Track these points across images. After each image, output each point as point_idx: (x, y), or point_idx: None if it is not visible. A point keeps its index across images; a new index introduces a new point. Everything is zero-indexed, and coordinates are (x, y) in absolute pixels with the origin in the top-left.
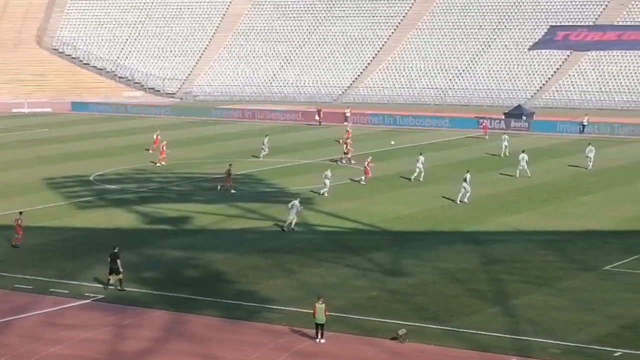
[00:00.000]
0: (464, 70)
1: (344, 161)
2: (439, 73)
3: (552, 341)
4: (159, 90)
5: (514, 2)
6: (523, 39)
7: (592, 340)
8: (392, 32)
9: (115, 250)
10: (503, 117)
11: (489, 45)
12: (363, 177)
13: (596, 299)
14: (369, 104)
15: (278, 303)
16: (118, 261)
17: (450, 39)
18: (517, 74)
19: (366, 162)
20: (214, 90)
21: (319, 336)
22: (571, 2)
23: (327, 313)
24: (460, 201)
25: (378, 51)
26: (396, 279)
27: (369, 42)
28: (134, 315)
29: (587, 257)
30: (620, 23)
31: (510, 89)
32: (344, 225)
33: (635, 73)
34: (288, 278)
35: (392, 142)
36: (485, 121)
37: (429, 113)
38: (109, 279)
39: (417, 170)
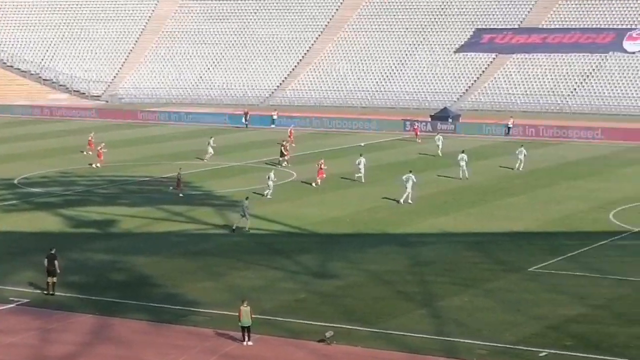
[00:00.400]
0: (390, 73)
1: (283, 163)
2: (366, 76)
3: (478, 342)
4: (84, 93)
5: (440, 5)
6: (449, 41)
7: (517, 340)
8: (319, 35)
9: (53, 252)
10: (430, 119)
11: (416, 48)
12: (318, 180)
13: (522, 299)
14: (296, 106)
15: (205, 306)
16: (56, 262)
17: (377, 41)
18: (443, 77)
19: (319, 164)
20: (140, 93)
21: (246, 339)
22: (497, 5)
23: (252, 315)
24: (405, 202)
25: (305, 54)
26: (324, 281)
27: (296, 44)
28: (60, 319)
29: (512, 258)
30: (544, 26)
31: (437, 91)
32: (272, 228)
33: (560, 75)
34: (215, 281)
35: (362, 144)
36: (417, 124)
37: (356, 115)
38: (49, 282)
39: (360, 171)
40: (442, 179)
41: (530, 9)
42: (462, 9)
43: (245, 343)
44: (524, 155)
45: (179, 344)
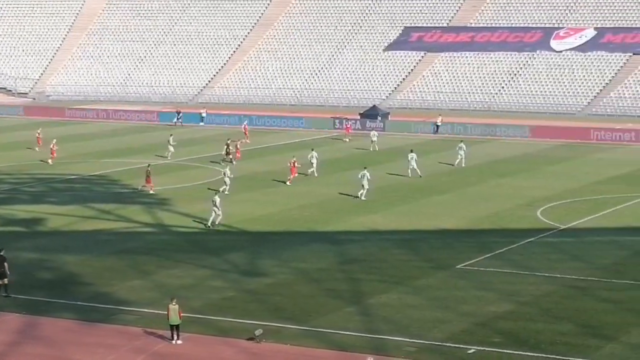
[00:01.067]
0: (319, 71)
1: (234, 161)
2: (294, 74)
3: (407, 339)
4: (10, 90)
5: (369, 4)
6: (378, 40)
7: (446, 337)
8: (248, 33)
9: (2, 253)
10: (359, 117)
11: (345, 46)
12: (290, 177)
13: (450, 297)
14: (225, 104)
15: (134, 305)
16: (5, 264)
17: (306, 39)
18: (372, 75)
19: (292, 162)
20: (67, 90)
21: (175, 337)
22: (425, 3)
23: (181, 314)
24: (359, 196)
25: (234, 51)
26: (253, 280)
27: (225, 42)
28: None
29: (441, 255)
30: (473, 25)
31: (366, 89)
32: (201, 226)
33: (487, 74)
34: (144, 279)
35: (347, 140)
36: (349, 123)
37: (285, 113)
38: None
39: (312, 165)
40: (373, 176)
41: (459, 7)
42: (391, 7)
43: (174, 342)
44: (464, 151)
45: (107, 342)
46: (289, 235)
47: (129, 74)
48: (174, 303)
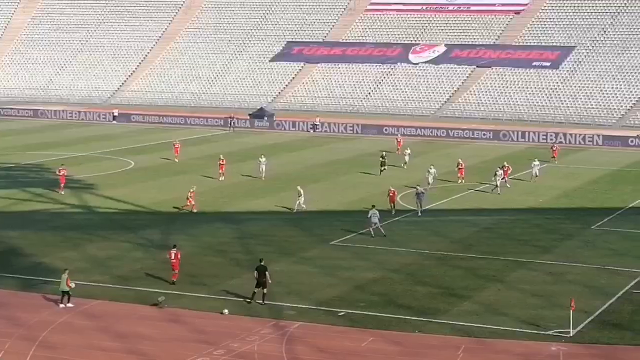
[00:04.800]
0: (215, 78)
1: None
2: (194, 80)
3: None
4: None
5: (257, 21)
6: (265, 52)
7: (322, 302)
8: (154, 45)
9: (262, 263)
10: (248, 117)
11: (237, 57)
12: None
13: (330, 265)
14: (134, 105)
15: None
16: (267, 273)
17: (204, 51)
18: (260, 82)
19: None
20: None
21: (66, 302)
22: (305, 22)
23: (69, 283)
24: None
25: (142, 61)
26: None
27: (134, 52)
28: None
29: (321, 232)
30: (344, 40)
31: (255, 94)
32: (120, 208)
33: (356, 82)
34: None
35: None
36: (399, 136)
37: (185, 114)
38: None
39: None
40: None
41: (333, 25)
42: (276, 24)
43: (63, 305)
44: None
45: (42, 303)
46: (194, 215)
47: (51, 79)
48: (65, 273)
